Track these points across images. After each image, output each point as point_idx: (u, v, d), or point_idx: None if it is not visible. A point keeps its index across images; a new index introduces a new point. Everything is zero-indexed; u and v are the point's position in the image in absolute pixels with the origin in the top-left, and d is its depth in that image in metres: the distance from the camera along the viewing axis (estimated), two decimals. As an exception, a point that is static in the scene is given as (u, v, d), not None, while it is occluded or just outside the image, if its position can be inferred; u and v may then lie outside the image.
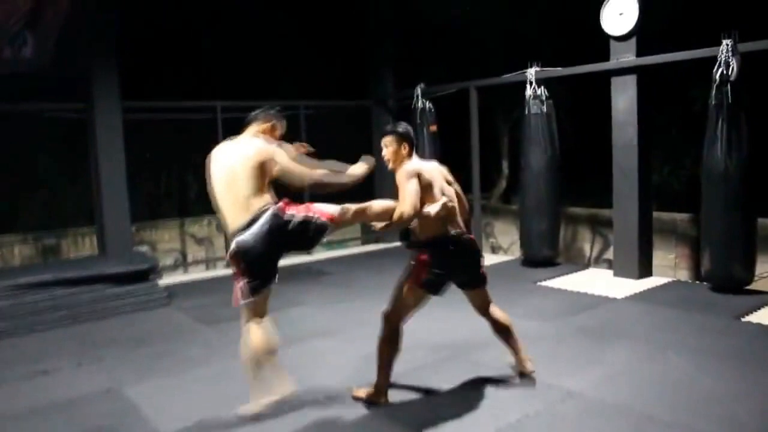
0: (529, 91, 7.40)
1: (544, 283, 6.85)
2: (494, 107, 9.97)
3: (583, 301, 6.11)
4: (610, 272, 7.08)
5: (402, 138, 4.01)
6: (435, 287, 3.96)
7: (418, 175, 3.81)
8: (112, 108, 7.47)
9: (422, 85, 8.85)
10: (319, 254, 9.46)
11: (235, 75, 8.85)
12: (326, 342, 5.28)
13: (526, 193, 7.64)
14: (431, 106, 8.89)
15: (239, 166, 3.68)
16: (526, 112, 7.45)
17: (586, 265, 7.61)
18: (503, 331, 4.24)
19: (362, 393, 4.02)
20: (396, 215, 3.77)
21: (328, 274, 8.04)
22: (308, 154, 4.13)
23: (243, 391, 4.19)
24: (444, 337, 5.18)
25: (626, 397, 3.90)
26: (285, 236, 3.68)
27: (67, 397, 4.33)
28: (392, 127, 4.10)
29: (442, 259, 3.87)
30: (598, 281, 6.82)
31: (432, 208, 3.79)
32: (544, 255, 7.57)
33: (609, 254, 7.22)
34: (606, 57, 6.82)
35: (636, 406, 3.75)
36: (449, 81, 8.66)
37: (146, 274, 6.59)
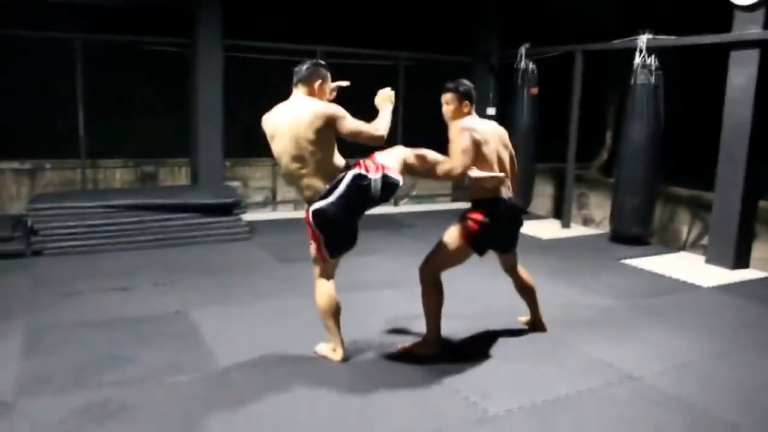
0: (637, 60, 6.98)
1: (627, 261, 6.55)
2: (604, 74, 9.47)
3: (664, 285, 5.81)
4: (703, 258, 6.69)
5: (463, 96, 3.93)
6: (482, 247, 3.96)
7: (472, 133, 3.73)
8: (213, 45, 7.66)
9: (527, 45, 8.54)
10: (406, 207, 9.47)
11: (337, 20, 8.80)
12: (392, 292, 5.30)
13: (623, 167, 7.27)
14: (534, 68, 8.58)
15: (303, 132, 3.48)
16: (632, 82, 7.04)
17: (679, 249, 7.21)
18: (527, 291, 4.40)
19: (408, 345, 4.05)
20: (442, 169, 3.73)
21: (410, 227, 8.04)
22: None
23: (299, 330, 4.31)
24: (502, 302, 5.08)
25: (689, 390, 3.68)
26: (366, 199, 3.56)
27: (138, 314, 4.58)
28: (454, 84, 3.97)
29: (494, 221, 3.84)
30: (687, 266, 6.45)
31: (480, 175, 3.72)
32: (634, 232, 7.22)
33: (706, 240, 6.80)
34: (728, 28, 6.31)
35: (697, 402, 3.54)
36: (556, 43, 8.29)
37: (231, 208, 6.80)
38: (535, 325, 4.49)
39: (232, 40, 7.89)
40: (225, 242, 6.64)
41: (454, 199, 10.07)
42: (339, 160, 3.63)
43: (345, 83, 3.89)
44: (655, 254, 6.92)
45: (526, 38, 8.61)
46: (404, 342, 4.12)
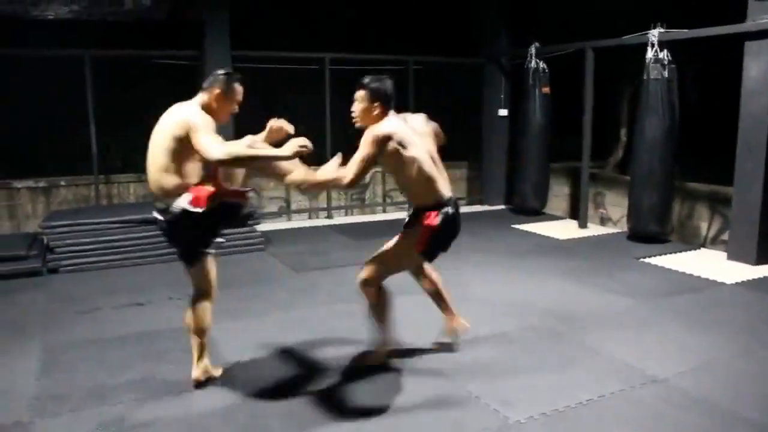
0: (649, 54, 6.89)
1: (646, 260, 6.45)
2: (616, 70, 9.38)
3: (685, 283, 5.71)
4: (724, 255, 6.57)
5: (374, 95, 3.49)
6: (435, 253, 3.73)
7: (387, 141, 3.40)
8: (222, 56, 7.66)
9: (537, 44, 8.48)
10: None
11: (345, 27, 8.79)
12: (406, 299, 5.23)
13: (638, 164, 7.17)
14: (545, 67, 8.52)
15: (165, 133, 3.33)
16: (645, 77, 6.94)
17: (699, 246, 7.10)
18: (437, 290, 4.08)
19: (362, 355, 3.95)
20: (335, 175, 3.41)
21: (426, 232, 7.98)
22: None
23: (317, 340, 4.27)
24: (520, 306, 5.02)
25: (715, 391, 3.60)
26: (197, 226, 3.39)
27: (154, 329, 4.56)
28: (368, 80, 3.53)
29: (444, 225, 3.57)
30: (709, 263, 6.34)
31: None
32: (652, 230, 7.12)
33: (727, 236, 6.69)
34: (741, 19, 6.21)
35: (723, 403, 3.45)
36: (566, 40, 8.22)
37: (245, 220, 6.78)
38: (456, 328, 4.10)
39: (241, 50, 7.89)
40: (240, 253, 6.61)
41: (472, 203, 9.99)
42: (182, 179, 3.35)
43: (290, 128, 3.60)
44: (675, 252, 6.82)
45: (536, 37, 8.55)
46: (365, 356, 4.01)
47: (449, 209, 3.60)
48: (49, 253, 6.09)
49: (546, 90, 8.52)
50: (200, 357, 3.63)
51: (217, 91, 3.40)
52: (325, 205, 8.96)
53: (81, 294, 5.42)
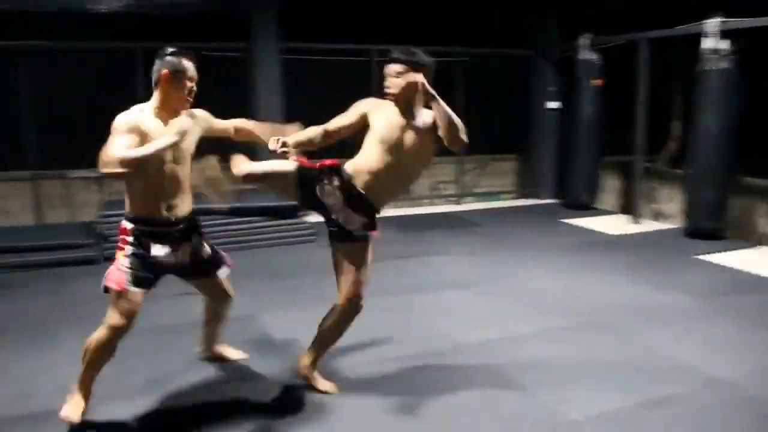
0: (707, 45, 6.68)
1: (703, 257, 6.28)
2: (670, 61, 9.15)
3: (745, 281, 5.55)
4: (785, 252, 6.38)
5: (416, 65, 3.21)
6: None
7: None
8: (270, 48, 7.70)
9: (587, 34, 8.30)
10: (469, 205, 9.35)
11: (392, 19, 8.73)
12: (459, 293, 5.21)
13: (695, 159, 6.99)
14: (597, 58, 8.34)
15: None
16: (703, 68, 6.75)
17: (757, 243, 6.89)
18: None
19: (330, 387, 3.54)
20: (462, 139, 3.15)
21: (476, 224, 7.93)
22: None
23: (368, 333, 4.27)
24: (576, 302, 4.95)
25: (777, 393, 3.49)
26: None
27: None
28: (398, 52, 3.25)
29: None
30: (768, 261, 6.16)
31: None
32: (708, 227, 6.93)
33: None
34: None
35: (793, 407, 3.35)
36: (621, 30, 8.03)
37: (295, 211, 6.82)
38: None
39: (289, 42, 7.91)
40: (290, 245, 6.66)
41: (521, 196, 9.87)
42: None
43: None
44: (733, 249, 6.62)
45: (587, 28, 8.37)
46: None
47: None
48: (105, 242, 6.21)
49: (597, 82, 8.35)
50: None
51: (164, 71, 3.12)
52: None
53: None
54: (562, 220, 8.11)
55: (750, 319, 4.59)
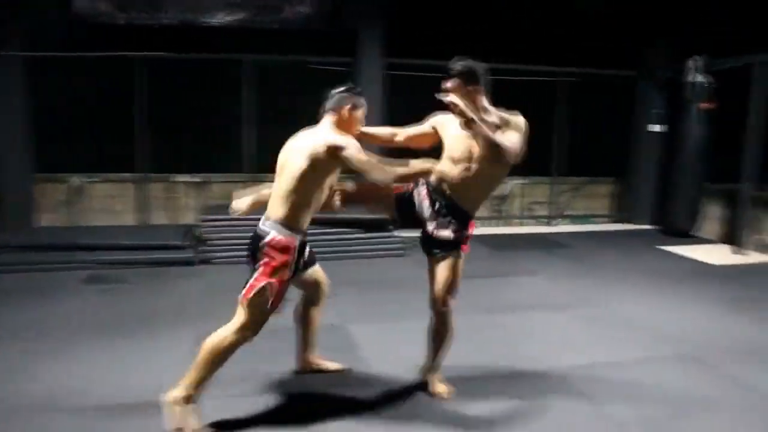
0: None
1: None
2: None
3: None
4: None
5: (471, 79, 3.31)
6: None
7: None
8: (375, 63, 7.82)
9: (697, 57, 8.01)
10: (561, 227, 9.16)
11: (497, 37, 8.70)
12: (546, 314, 5.10)
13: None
14: (707, 81, 8.02)
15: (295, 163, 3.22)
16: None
17: None
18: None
19: (445, 390, 3.64)
20: (508, 146, 3.19)
21: (566, 246, 7.76)
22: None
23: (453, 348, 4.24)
24: (676, 333, 4.75)
25: None
26: None
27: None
28: (458, 66, 3.33)
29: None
30: None
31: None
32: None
33: None
34: None
35: None
36: (736, 53, 7.70)
37: (386, 224, 6.88)
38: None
39: (394, 58, 8.02)
40: (380, 258, 6.72)
41: (616, 220, 9.59)
42: (299, 217, 3.26)
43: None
44: None
45: (697, 49, 8.08)
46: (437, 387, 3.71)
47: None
48: (203, 245, 6.45)
49: (707, 105, 8.01)
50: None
51: (349, 105, 3.31)
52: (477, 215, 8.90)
53: (232, 285, 5.62)
54: (659, 247, 7.81)
55: None
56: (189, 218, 7.88)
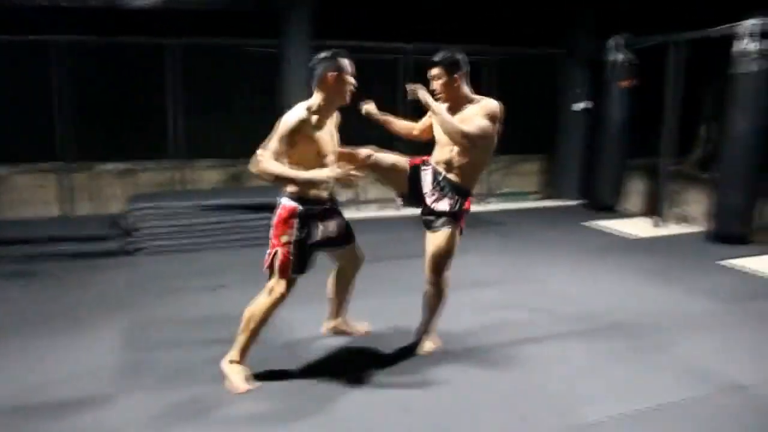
0: (740, 47, 6.60)
1: (728, 262, 6.20)
2: (703, 63, 9.04)
3: (770, 287, 5.49)
4: (813, 259, 6.28)
5: (453, 68, 3.59)
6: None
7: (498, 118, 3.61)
8: (302, 45, 7.75)
9: (617, 36, 8.24)
10: (493, 205, 9.32)
11: (424, 17, 8.74)
12: (482, 291, 5.21)
13: (724, 162, 6.91)
14: (627, 59, 8.26)
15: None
16: (735, 70, 6.66)
17: (785, 248, 6.81)
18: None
19: (430, 346, 3.99)
20: (462, 129, 3.49)
21: (498, 224, 7.92)
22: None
23: (390, 328, 4.30)
24: (599, 305, 4.94)
25: (802, 399, 3.46)
26: None
27: (231, 312, 4.52)
28: (441, 55, 3.62)
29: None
30: (796, 267, 6.08)
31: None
32: (734, 231, 6.86)
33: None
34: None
35: (812, 412, 3.32)
36: (654, 32, 7.95)
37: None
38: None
39: (321, 39, 7.96)
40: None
41: (546, 197, 9.83)
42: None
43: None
44: (758, 254, 6.53)
45: (619, 29, 8.30)
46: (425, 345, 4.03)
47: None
48: (130, 235, 6.30)
49: (627, 83, 8.27)
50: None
51: (330, 73, 3.39)
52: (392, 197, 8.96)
53: (161, 275, 5.61)
54: (586, 222, 8.06)
55: (773, 325, 4.55)
56: (116, 208, 7.67)
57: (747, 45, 6.57)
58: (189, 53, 7.87)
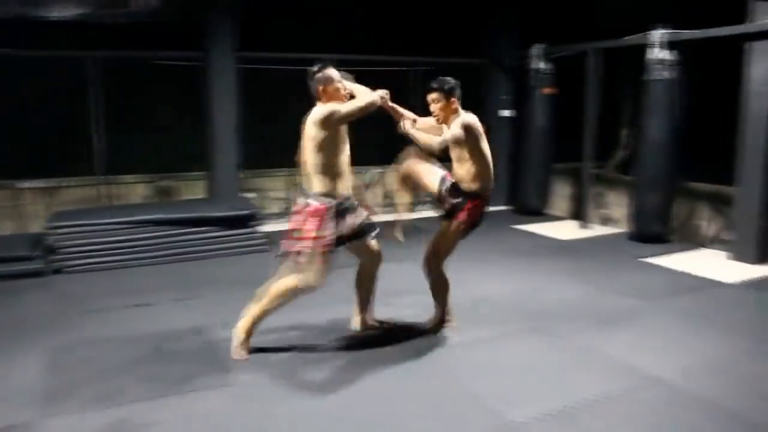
0: (652, 55, 6.91)
1: (648, 260, 6.47)
2: (619, 71, 9.41)
3: (687, 283, 5.74)
4: (725, 255, 6.60)
5: (450, 93, 4.18)
6: (471, 231, 4.32)
7: (474, 128, 4.08)
8: (226, 57, 7.71)
9: (539, 45, 8.50)
10: (421, 212, 9.41)
11: (350, 28, 8.81)
12: (412, 298, 5.26)
13: (641, 165, 7.21)
14: (548, 68, 8.53)
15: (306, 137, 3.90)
16: (649, 77, 6.97)
17: (699, 245, 7.12)
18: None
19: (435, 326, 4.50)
20: (432, 142, 4.09)
21: (429, 232, 7.96)
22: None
23: (319, 338, 4.31)
24: (523, 306, 5.08)
25: (716, 391, 3.63)
26: None
27: (159, 330, 4.58)
28: (439, 82, 4.20)
29: (482, 209, 4.27)
30: (710, 263, 6.37)
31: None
32: (654, 231, 7.16)
33: (728, 236, 6.72)
34: (738, 21, 6.24)
35: (725, 403, 3.48)
36: (571, 41, 8.24)
37: (247, 220, 6.81)
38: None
39: (245, 51, 7.92)
40: (243, 255, 6.64)
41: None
42: (326, 183, 3.93)
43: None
44: (676, 252, 6.84)
45: (541, 38, 8.56)
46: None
47: (486, 201, 4.30)
48: (52, 254, 6.11)
49: (549, 91, 8.53)
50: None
51: (320, 87, 3.94)
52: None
53: (86, 294, 5.45)
54: (513, 226, 8.25)
55: (691, 320, 4.77)
56: (39, 226, 7.41)
57: (657, 53, 6.88)
58: (111, 67, 7.71)
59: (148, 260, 6.31)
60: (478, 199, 4.19)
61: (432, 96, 4.20)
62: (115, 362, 4.04)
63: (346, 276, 4.41)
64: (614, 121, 9.82)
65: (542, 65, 8.55)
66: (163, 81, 8.07)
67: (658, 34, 6.90)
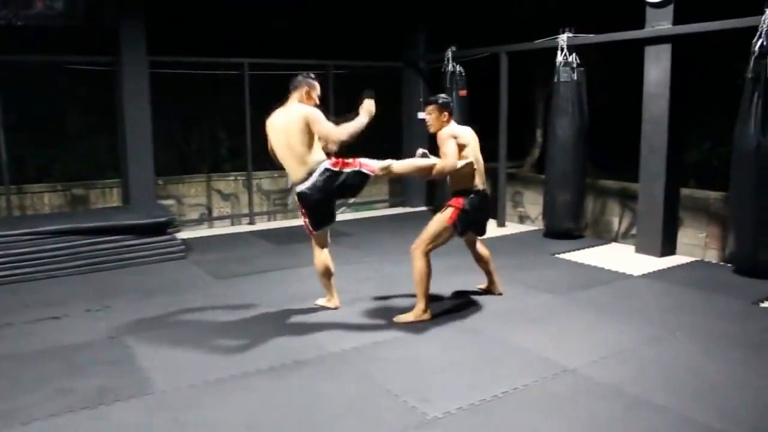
0: (559, 58, 7.18)
1: (561, 256, 6.72)
2: (532, 73, 9.72)
3: (597, 276, 5.98)
4: (633, 248, 6.91)
5: (443, 107, 4.83)
6: (463, 228, 4.83)
7: (455, 137, 4.67)
8: (138, 61, 7.54)
9: (453, 48, 8.68)
10: (344, 215, 9.44)
11: (263, 32, 8.77)
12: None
13: (551, 163, 7.46)
14: (462, 70, 8.71)
15: (292, 129, 4.51)
16: (556, 79, 7.23)
17: (611, 240, 7.44)
18: (484, 261, 5.31)
19: (407, 317, 4.76)
20: (438, 168, 4.67)
21: (348, 235, 8.03)
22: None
23: (237, 346, 4.28)
24: (439, 302, 5.19)
25: (623, 377, 3.79)
26: (335, 186, 4.61)
27: (71, 342, 4.44)
28: (435, 97, 4.94)
29: (471, 207, 4.77)
30: (618, 257, 6.66)
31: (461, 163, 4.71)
32: (566, 227, 7.42)
33: (635, 230, 7.05)
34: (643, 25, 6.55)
35: (631, 389, 3.64)
36: (483, 44, 8.45)
37: (164, 227, 6.68)
38: (492, 290, 5.39)
39: (158, 56, 7.76)
40: (160, 262, 6.50)
41: (392, 205, 10.14)
42: (319, 155, 4.61)
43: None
44: (588, 247, 7.12)
45: (454, 42, 8.74)
46: (400, 316, 4.78)
47: (474, 196, 4.81)
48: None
49: (463, 93, 8.71)
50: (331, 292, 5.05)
51: (306, 89, 4.66)
52: (247, 211, 8.89)
53: (-9, 309, 5.23)
54: (434, 226, 8.36)
55: (600, 310, 4.98)
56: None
57: (562, 57, 7.14)
58: (16, 71, 7.41)
59: (59, 271, 6.08)
60: (465, 195, 4.78)
61: (428, 108, 4.88)
62: (23, 378, 3.89)
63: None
64: (530, 122, 10.14)
65: (457, 67, 8.71)
66: (73, 85, 7.82)
67: (563, 38, 7.16)
